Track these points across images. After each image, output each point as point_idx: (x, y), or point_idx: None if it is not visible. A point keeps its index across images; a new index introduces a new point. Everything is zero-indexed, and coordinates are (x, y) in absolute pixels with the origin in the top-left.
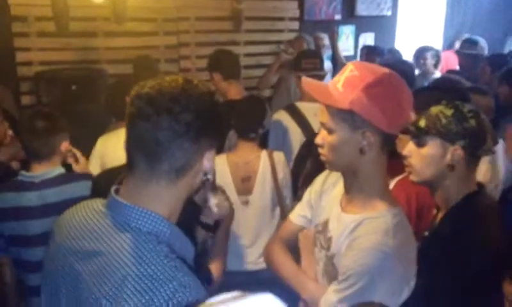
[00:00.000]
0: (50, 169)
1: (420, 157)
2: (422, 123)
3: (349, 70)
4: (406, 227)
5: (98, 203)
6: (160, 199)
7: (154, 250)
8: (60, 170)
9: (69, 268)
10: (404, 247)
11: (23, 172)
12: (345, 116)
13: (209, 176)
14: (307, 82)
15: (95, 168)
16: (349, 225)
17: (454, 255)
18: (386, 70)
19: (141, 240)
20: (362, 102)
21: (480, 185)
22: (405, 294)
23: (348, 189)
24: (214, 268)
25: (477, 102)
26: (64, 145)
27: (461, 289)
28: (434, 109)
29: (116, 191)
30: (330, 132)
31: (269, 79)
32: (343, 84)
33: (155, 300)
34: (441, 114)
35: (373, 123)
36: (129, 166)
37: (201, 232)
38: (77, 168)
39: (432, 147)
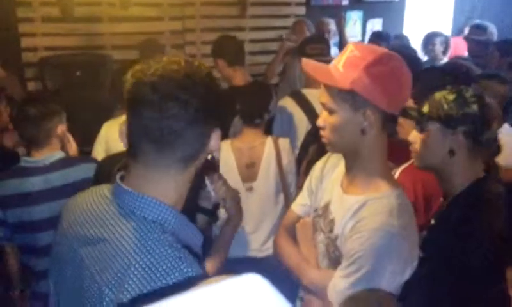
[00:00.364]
0: (50, 154)
1: (422, 142)
2: (425, 108)
3: (349, 50)
4: (408, 208)
5: (105, 189)
6: (166, 187)
7: (158, 239)
8: (60, 154)
9: (74, 253)
10: (408, 227)
11: (25, 158)
12: (346, 96)
13: (215, 154)
14: (307, 63)
15: (99, 153)
16: (352, 206)
17: (459, 242)
18: (386, 50)
19: (145, 229)
20: (363, 82)
21: (488, 172)
22: (407, 274)
23: (349, 170)
24: (210, 265)
25: (493, 89)
26: (61, 128)
27: (466, 276)
28: (438, 95)
29: (122, 178)
30: (331, 112)
31: (275, 69)
32: (343, 64)
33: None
34: (444, 99)
35: (374, 103)
36: (133, 153)
37: (200, 217)
38: (71, 152)
39: (433, 132)
